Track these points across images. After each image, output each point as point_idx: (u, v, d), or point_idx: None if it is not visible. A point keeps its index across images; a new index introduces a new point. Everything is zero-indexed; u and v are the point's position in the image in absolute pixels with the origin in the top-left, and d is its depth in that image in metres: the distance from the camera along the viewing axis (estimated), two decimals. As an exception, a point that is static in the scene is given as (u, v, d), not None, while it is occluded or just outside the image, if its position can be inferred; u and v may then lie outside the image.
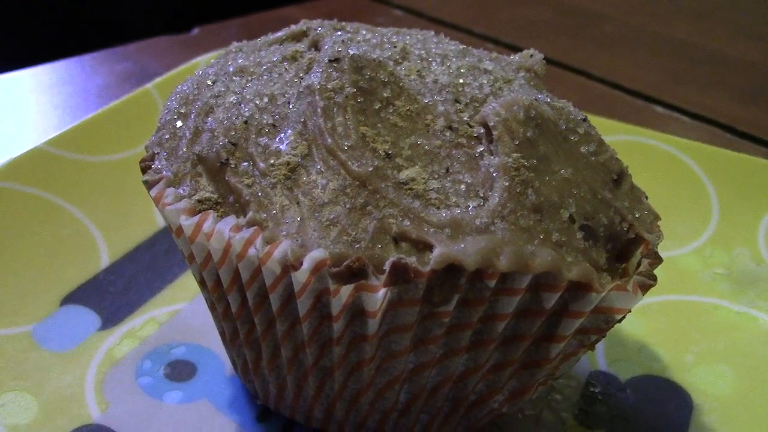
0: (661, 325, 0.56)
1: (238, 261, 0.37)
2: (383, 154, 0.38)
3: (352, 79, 0.40)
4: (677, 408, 0.50)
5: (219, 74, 0.45)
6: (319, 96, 0.39)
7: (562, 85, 0.92)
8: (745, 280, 0.61)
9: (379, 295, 0.35)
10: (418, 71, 0.43)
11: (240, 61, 0.46)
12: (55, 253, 0.59)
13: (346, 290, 0.35)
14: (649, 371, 0.53)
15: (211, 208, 0.39)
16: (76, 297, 0.56)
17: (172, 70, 0.79)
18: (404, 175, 0.37)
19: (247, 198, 0.38)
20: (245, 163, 0.39)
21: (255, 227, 0.37)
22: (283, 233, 0.37)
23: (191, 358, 0.52)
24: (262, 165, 0.39)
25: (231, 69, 0.45)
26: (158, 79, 0.77)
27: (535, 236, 0.36)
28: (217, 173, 0.40)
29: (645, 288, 0.39)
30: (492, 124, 0.39)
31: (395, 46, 0.45)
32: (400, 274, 0.35)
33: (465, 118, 0.40)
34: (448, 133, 0.39)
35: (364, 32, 0.47)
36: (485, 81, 0.43)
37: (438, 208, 0.37)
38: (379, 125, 0.39)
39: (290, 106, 0.41)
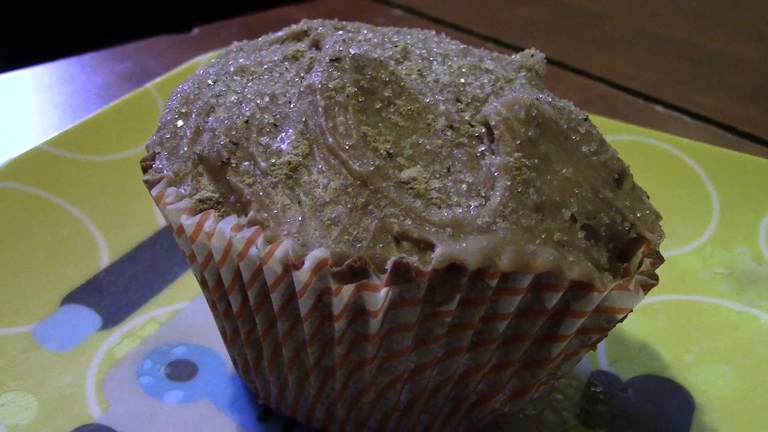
0: (662, 325, 0.56)
1: (239, 260, 0.37)
2: (384, 153, 0.38)
3: (354, 78, 0.40)
4: (679, 408, 0.50)
5: (220, 74, 0.45)
6: (320, 95, 0.39)
7: (563, 85, 0.92)
8: (745, 279, 0.61)
9: (380, 295, 0.35)
10: (419, 71, 0.43)
11: (241, 60, 0.46)
12: (56, 252, 0.59)
13: (348, 290, 0.35)
14: (651, 371, 0.52)
15: (212, 208, 0.39)
16: (76, 297, 0.56)
17: (172, 70, 0.79)
18: (405, 174, 0.37)
19: (248, 197, 0.38)
20: (246, 163, 0.39)
21: (256, 227, 0.37)
22: (285, 233, 0.37)
23: (192, 357, 0.52)
24: (263, 164, 0.39)
25: (232, 68, 0.45)
26: (158, 79, 0.77)
27: (537, 236, 0.36)
28: (218, 173, 0.40)
29: (647, 287, 0.39)
30: (493, 123, 0.39)
31: (396, 46, 0.45)
32: (401, 274, 0.35)
33: (466, 118, 0.40)
34: (449, 133, 0.39)
35: (365, 32, 0.47)
36: (486, 80, 0.43)
37: (439, 207, 0.36)
38: (380, 125, 0.39)
39: (291, 106, 0.41)
